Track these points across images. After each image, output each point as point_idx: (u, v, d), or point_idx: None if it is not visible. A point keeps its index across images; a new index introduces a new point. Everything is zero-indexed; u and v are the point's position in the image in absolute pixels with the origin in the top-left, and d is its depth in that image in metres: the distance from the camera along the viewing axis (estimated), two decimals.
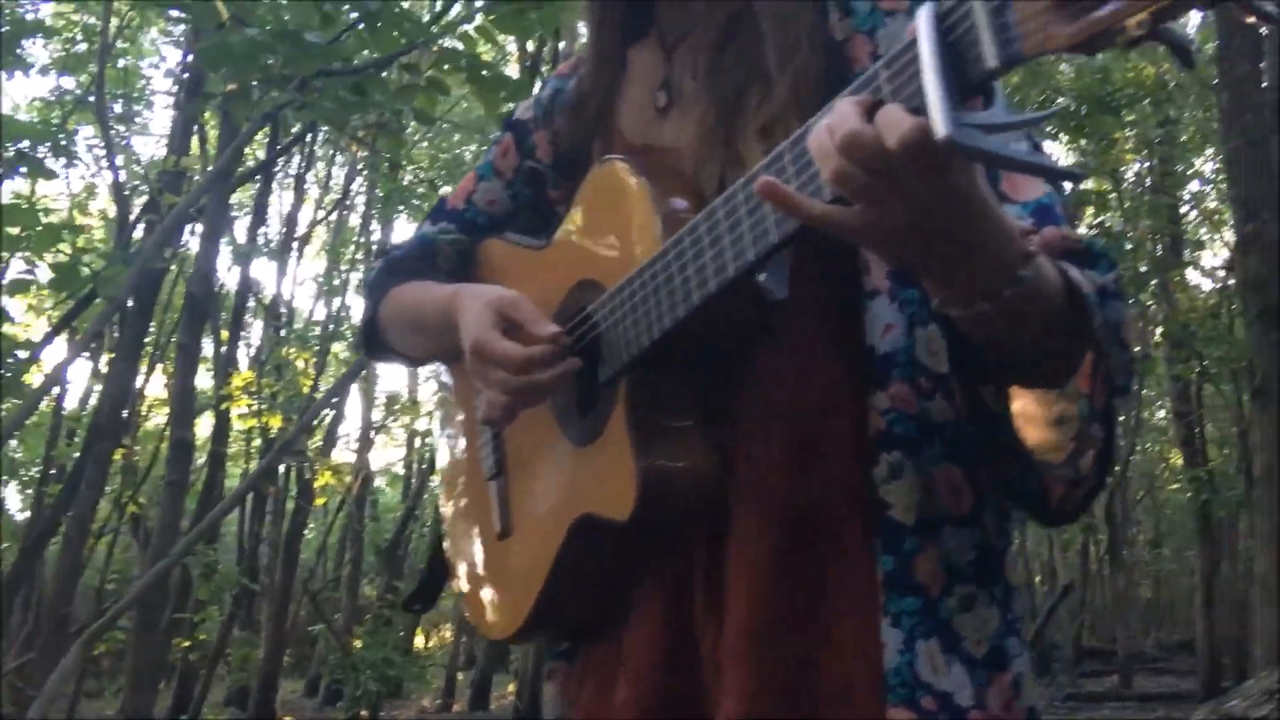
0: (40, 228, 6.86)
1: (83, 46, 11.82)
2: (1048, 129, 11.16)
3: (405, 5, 4.52)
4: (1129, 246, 10.39)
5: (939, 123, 0.72)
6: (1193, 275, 12.45)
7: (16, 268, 5.70)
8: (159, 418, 14.07)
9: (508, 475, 1.33)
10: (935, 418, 1.05)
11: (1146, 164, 11.91)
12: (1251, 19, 0.66)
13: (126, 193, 10.49)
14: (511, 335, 1.13)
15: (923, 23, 0.75)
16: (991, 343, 0.96)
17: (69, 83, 11.36)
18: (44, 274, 5.49)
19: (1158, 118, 10.93)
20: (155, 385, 13.51)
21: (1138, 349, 11.32)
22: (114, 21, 10.53)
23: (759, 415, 1.11)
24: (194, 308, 7.12)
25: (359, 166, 14.06)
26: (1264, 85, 6.31)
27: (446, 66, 4.48)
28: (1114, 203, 11.24)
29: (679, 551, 1.14)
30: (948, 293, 0.90)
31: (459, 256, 1.40)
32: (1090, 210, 10.75)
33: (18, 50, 7.46)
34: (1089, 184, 12.04)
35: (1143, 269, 10.77)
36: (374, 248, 15.32)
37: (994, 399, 1.02)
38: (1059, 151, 13.20)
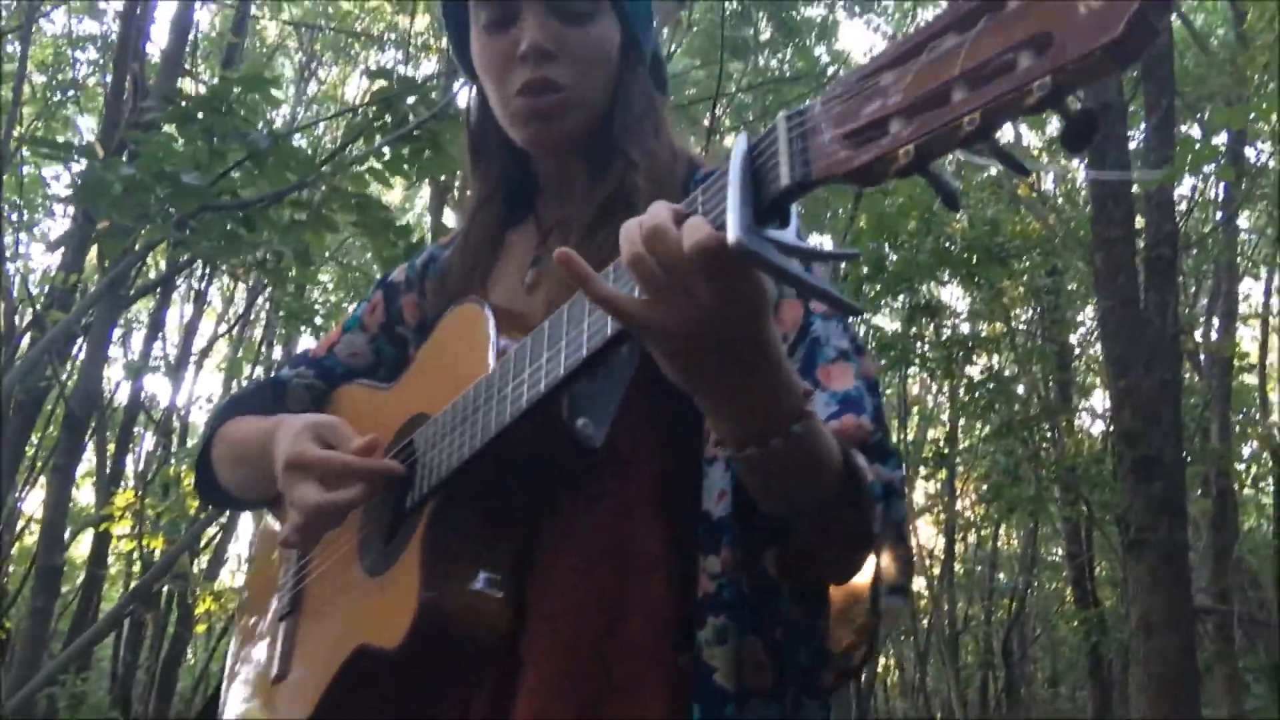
0: None
1: None
2: (943, 276, 11.58)
3: (298, 143, 4.55)
4: (1019, 390, 10.68)
5: (731, 229, 0.78)
6: (1085, 419, 12.84)
7: None
8: (35, 537, 13.47)
9: (300, 615, 1.28)
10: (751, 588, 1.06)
11: (1036, 312, 12.36)
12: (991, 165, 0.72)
13: (17, 305, 10.24)
14: None
15: (736, 150, 0.82)
16: (765, 499, 0.98)
17: None
18: None
19: (1045, 267, 11.38)
20: (34, 503, 12.97)
21: (1030, 489, 11.58)
22: (16, 130, 10.42)
23: (566, 566, 1.10)
24: (73, 427, 6.89)
25: (264, 281, 13.93)
26: (1136, 250, 6.63)
27: (337, 205, 4.50)
28: (1005, 348, 11.60)
29: (459, 698, 1.10)
30: (723, 427, 0.93)
31: (312, 401, 1.40)
32: (983, 355, 11.09)
33: None
34: (982, 329, 12.44)
35: (1032, 413, 11.07)
36: (275, 365, 15.09)
37: (775, 568, 1.03)
38: (954, 297, 13.68)
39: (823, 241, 17.23)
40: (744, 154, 0.82)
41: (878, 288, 10.83)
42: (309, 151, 5.30)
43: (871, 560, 1.01)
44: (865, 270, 10.45)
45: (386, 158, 4.51)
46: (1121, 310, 6.31)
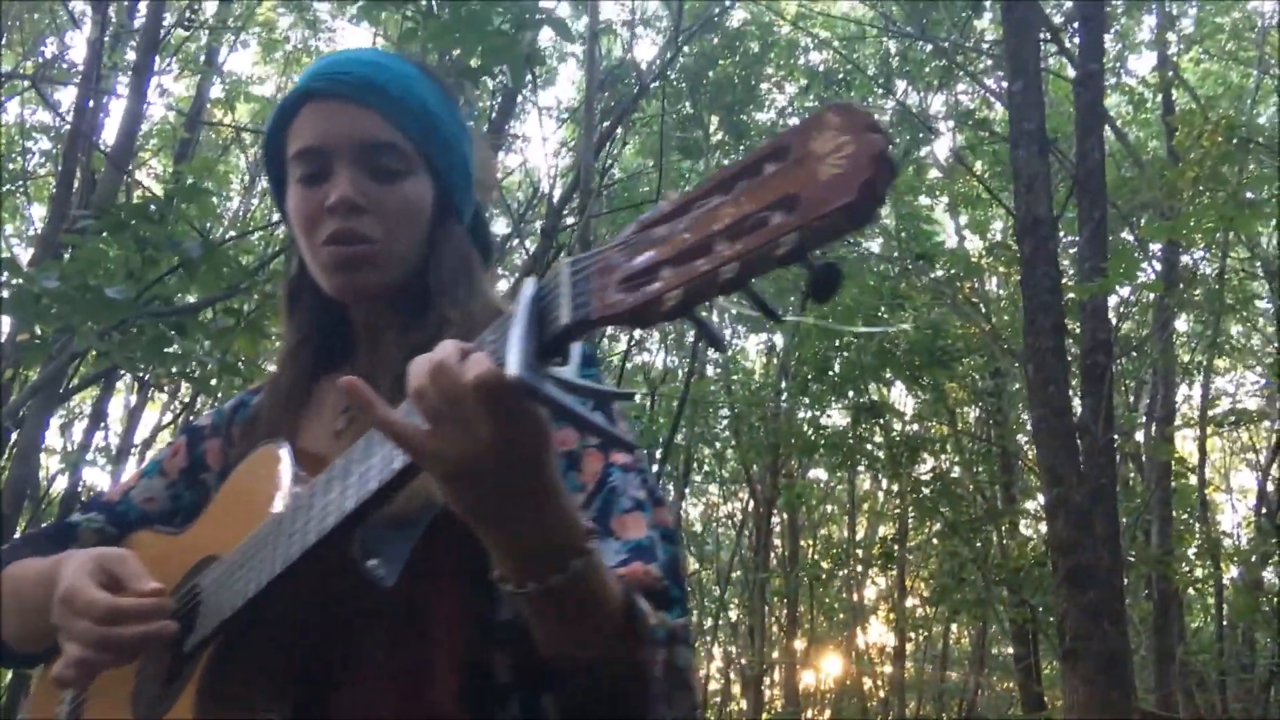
0: None
1: None
2: (887, 378, 11.75)
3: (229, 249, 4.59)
4: (959, 493, 10.75)
5: (511, 365, 0.83)
6: (1029, 522, 12.90)
7: None
8: None
9: None
10: None
11: (980, 413, 12.50)
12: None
13: None
14: (110, 590, 1.08)
15: (524, 291, 0.87)
16: (546, 638, 0.99)
17: None
18: None
19: (988, 369, 11.56)
20: None
21: (977, 590, 11.58)
22: None
23: (357, 712, 1.09)
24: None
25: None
26: (1066, 357, 6.76)
27: (271, 313, 4.51)
28: (951, 449, 11.70)
29: None
30: (504, 562, 0.94)
31: (102, 545, 1.33)
32: (927, 457, 11.19)
33: None
34: (929, 429, 12.56)
35: (976, 515, 11.13)
36: None
37: (556, 713, 1.04)
38: (901, 397, 13.84)
39: (748, 342, 17.40)
40: (530, 296, 0.87)
41: (823, 388, 10.95)
42: (242, 259, 5.31)
43: (656, 706, 1.03)
44: (809, 372, 10.58)
45: None
46: (1053, 420, 6.40)
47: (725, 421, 15.23)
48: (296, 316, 1.34)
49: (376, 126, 1.25)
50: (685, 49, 12.63)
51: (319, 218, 1.24)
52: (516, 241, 13.11)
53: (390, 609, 1.09)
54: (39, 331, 3.91)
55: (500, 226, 13.07)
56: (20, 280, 3.28)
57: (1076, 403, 7.44)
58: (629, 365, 16.00)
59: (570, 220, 11.36)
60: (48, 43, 12.67)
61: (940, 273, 11.26)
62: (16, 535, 1.37)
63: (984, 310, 11.13)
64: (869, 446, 11.69)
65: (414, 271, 1.27)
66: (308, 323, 1.33)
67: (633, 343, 15.27)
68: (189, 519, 1.34)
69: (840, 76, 12.86)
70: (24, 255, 14.04)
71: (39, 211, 13.04)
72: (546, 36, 11.39)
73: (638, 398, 16.88)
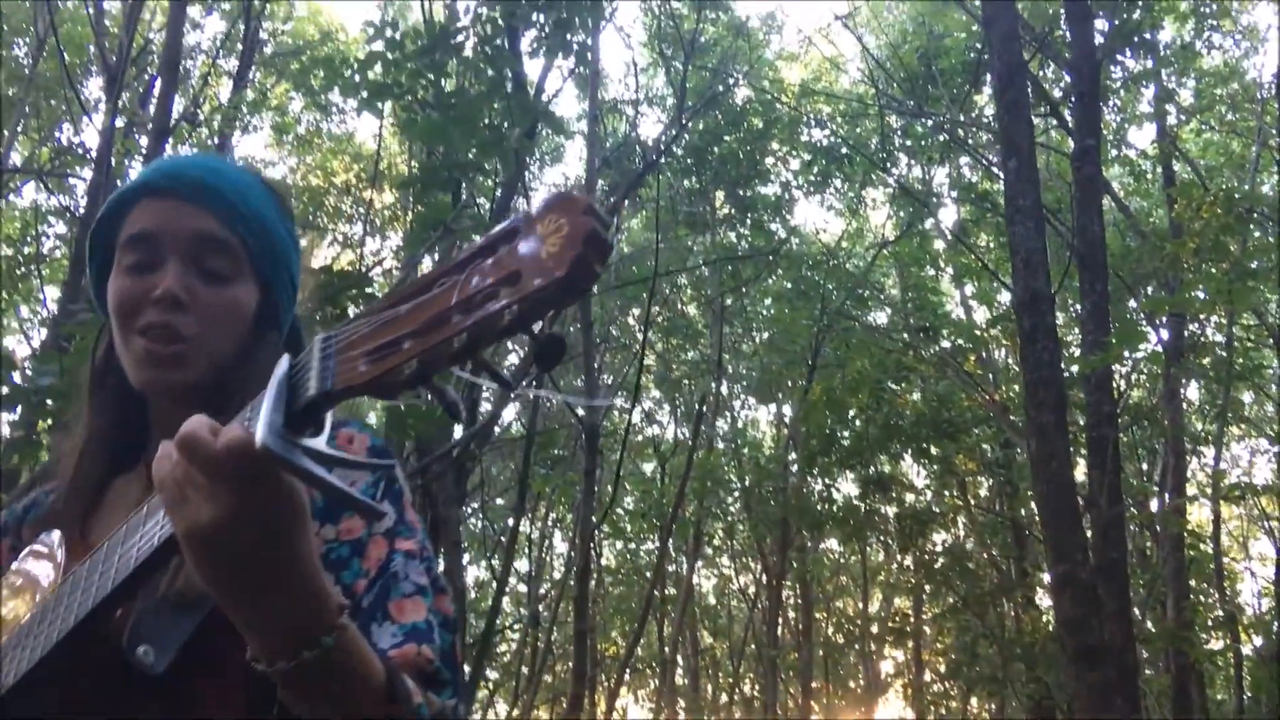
0: None
1: None
2: (894, 448, 11.68)
3: None
4: (971, 566, 10.64)
5: (260, 432, 0.85)
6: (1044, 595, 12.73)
7: None
8: None
9: None
10: None
11: (990, 485, 12.41)
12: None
13: None
14: None
15: (278, 369, 0.90)
16: (306, 715, 0.98)
17: None
18: None
19: (997, 440, 11.49)
20: None
21: (993, 664, 11.39)
22: None
23: None
24: None
25: None
26: (1068, 432, 6.74)
27: None
28: (962, 522, 11.60)
29: None
30: (254, 640, 0.94)
31: None
32: (938, 530, 11.09)
33: None
34: (939, 501, 12.46)
35: (989, 589, 11.00)
36: None
37: None
38: (910, 468, 13.75)
39: (759, 413, 17.27)
40: (283, 370, 0.90)
41: (831, 460, 10.90)
42: None
43: None
44: (816, 445, 10.55)
45: None
46: (1057, 495, 6.36)
47: (736, 494, 15.17)
48: (97, 405, 1.32)
49: (212, 227, 1.26)
50: (689, 126, 12.81)
51: (140, 307, 1.24)
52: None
53: (162, 698, 1.08)
54: (40, 426, 3.95)
55: None
56: (17, 376, 3.32)
57: (1085, 475, 7.40)
58: (639, 438, 16.00)
59: None
60: (63, 128, 12.95)
61: (946, 344, 11.26)
62: None
63: (991, 380, 11.11)
64: (879, 519, 11.59)
65: (223, 373, 1.27)
66: (107, 413, 1.32)
67: (638, 413, 15.26)
68: None
69: (842, 151, 13.00)
70: (39, 338, 14.21)
71: (53, 293, 13.22)
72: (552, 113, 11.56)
73: (649, 469, 16.84)
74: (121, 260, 1.26)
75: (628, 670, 12.36)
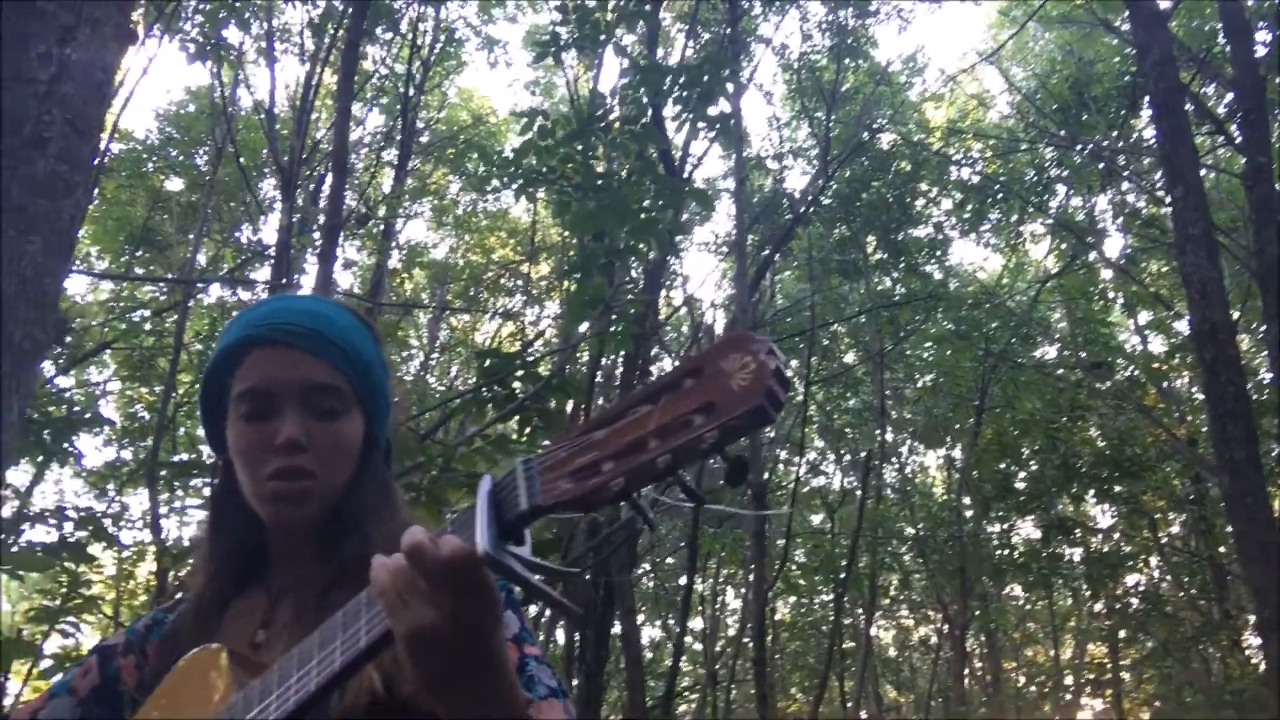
0: (79, 600, 7.04)
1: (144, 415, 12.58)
2: (1074, 489, 11.23)
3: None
4: (1169, 610, 10.09)
5: (480, 542, 0.95)
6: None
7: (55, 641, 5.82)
8: None
9: None
10: None
11: (1183, 523, 11.78)
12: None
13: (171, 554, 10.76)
14: None
15: (482, 485, 1.00)
16: None
17: (126, 455, 12.04)
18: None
19: (1187, 475, 10.93)
20: None
21: (1202, 712, 10.73)
22: (174, 397, 11.25)
23: None
24: None
25: None
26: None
27: (447, 485, 4.71)
28: (1154, 563, 11.04)
29: None
30: None
31: None
32: (1130, 572, 10.58)
33: (66, 445, 7.94)
34: (1128, 542, 11.89)
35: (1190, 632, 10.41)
36: None
37: None
38: (1093, 511, 13.18)
39: (927, 458, 16.80)
40: (488, 489, 0.99)
41: (1008, 506, 10.55)
42: (419, 431, 5.59)
43: None
44: (990, 489, 10.23)
45: (493, 438, 4.74)
46: (1255, 534, 6.02)
47: (910, 543, 14.82)
48: (222, 538, 1.40)
49: (321, 373, 1.35)
50: (836, 175, 12.78)
51: (265, 454, 1.32)
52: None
53: None
54: None
55: (666, 363, 13.27)
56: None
57: None
58: (805, 489, 15.83)
59: None
60: (242, 229, 13.80)
61: (1121, 377, 10.82)
62: None
63: (1176, 413, 10.59)
64: (1064, 563, 11.13)
65: (339, 501, 1.36)
66: (232, 544, 1.40)
67: (803, 465, 15.11)
68: None
69: (996, 188, 12.74)
70: None
71: None
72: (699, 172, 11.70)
73: (816, 520, 16.61)
74: (237, 409, 1.35)
75: None
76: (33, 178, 3.93)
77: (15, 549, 5.52)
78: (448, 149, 14.22)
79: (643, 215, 3.67)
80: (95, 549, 8.82)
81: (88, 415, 8.89)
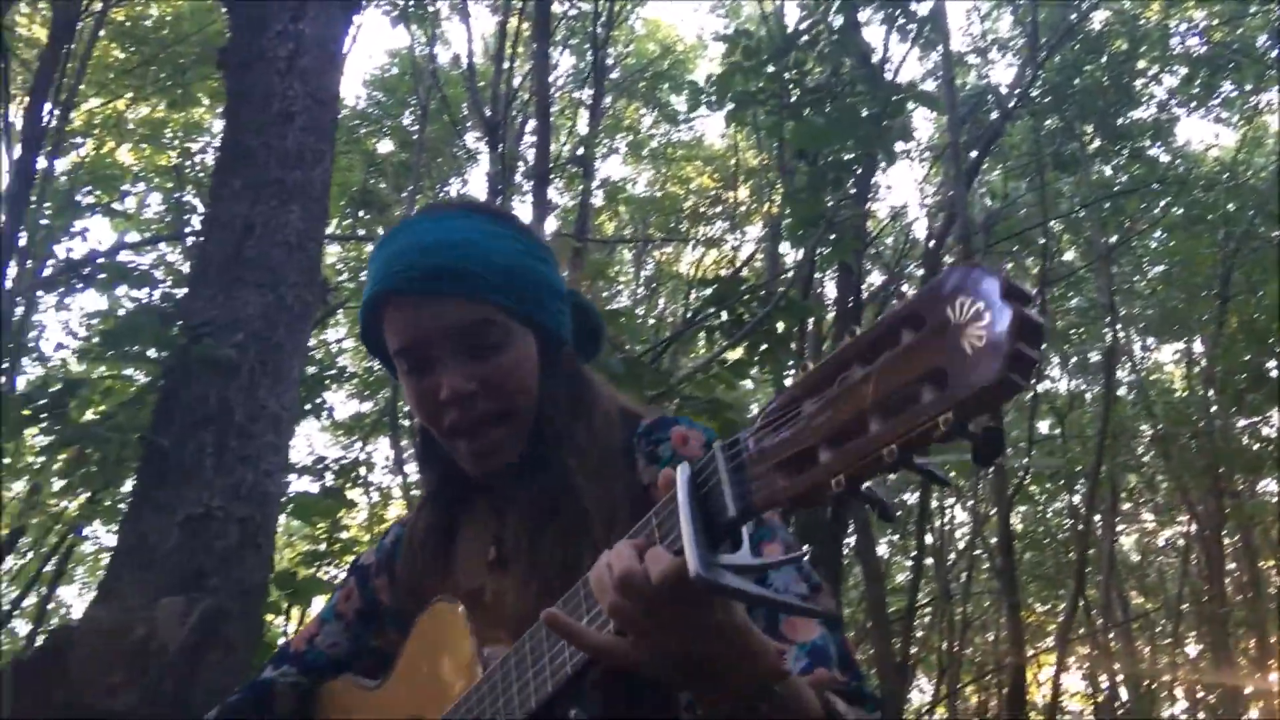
0: (338, 544, 7.60)
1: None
2: None
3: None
4: None
5: (691, 562, 0.85)
6: None
7: None
8: None
9: None
10: None
11: None
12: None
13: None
14: None
15: (680, 478, 0.89)
16: None
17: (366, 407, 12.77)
18: None
19: None
20: None
21: None
22: None
23: None
24: None
25: None
26: None
27: (689, 411, 4.80)
28: None
29: None
30: (713, 708, 0.98)
31: (299, 700, 1.41)
32: None
33: (319, 400, 8.48)
34: None
35: None
36: None
37: None
38: None
39: (1162, 354, 15.86)
40: (688, 484, 0.89)
41: (1260, 397, 9.88)
42: (658, 363, 5.69)
43: None
44: (1241, 379, 9.58)
45: (728, 363, 4.79)
46: None
47: (1148, 443, 14.15)
48: (429, 467, 1.37)
49: (462, 311, 1.23)
50: (1044, 64, 12.09)
51: (437, 410, 1.25)
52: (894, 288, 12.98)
53: None
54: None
55: (876, 277, 13.00)
56: None
57: None
58: (1028, 397, 15.28)
59: (949, 260, 11.12)
60: (450, 181, 14.25)
61: None
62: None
63: None
64: None
65: (535, 422, 1.28)
66: (438, 470, 1.36)
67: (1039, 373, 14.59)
68: (374, 661, 1.39)
69: (1225, 57, 11.79)
70: None
71: None
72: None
73: (1044, 427, 16.04)
74: (399, 364, 1.27)
75: (1064, 637, 11.84)
76: (284, 151, 4.20)
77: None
78: (639, 83, 14.25)
79: (869, 124, 3.57)
80: (353, 495, 9.44)
81: (333, 371, 9.46)
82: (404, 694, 1.28)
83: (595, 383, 1.34)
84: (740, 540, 0.88)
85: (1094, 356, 14.80)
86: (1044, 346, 0.69)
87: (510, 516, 1.28)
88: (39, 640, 10.65)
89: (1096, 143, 13.64)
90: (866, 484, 0.77)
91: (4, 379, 6.10)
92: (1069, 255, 15.21)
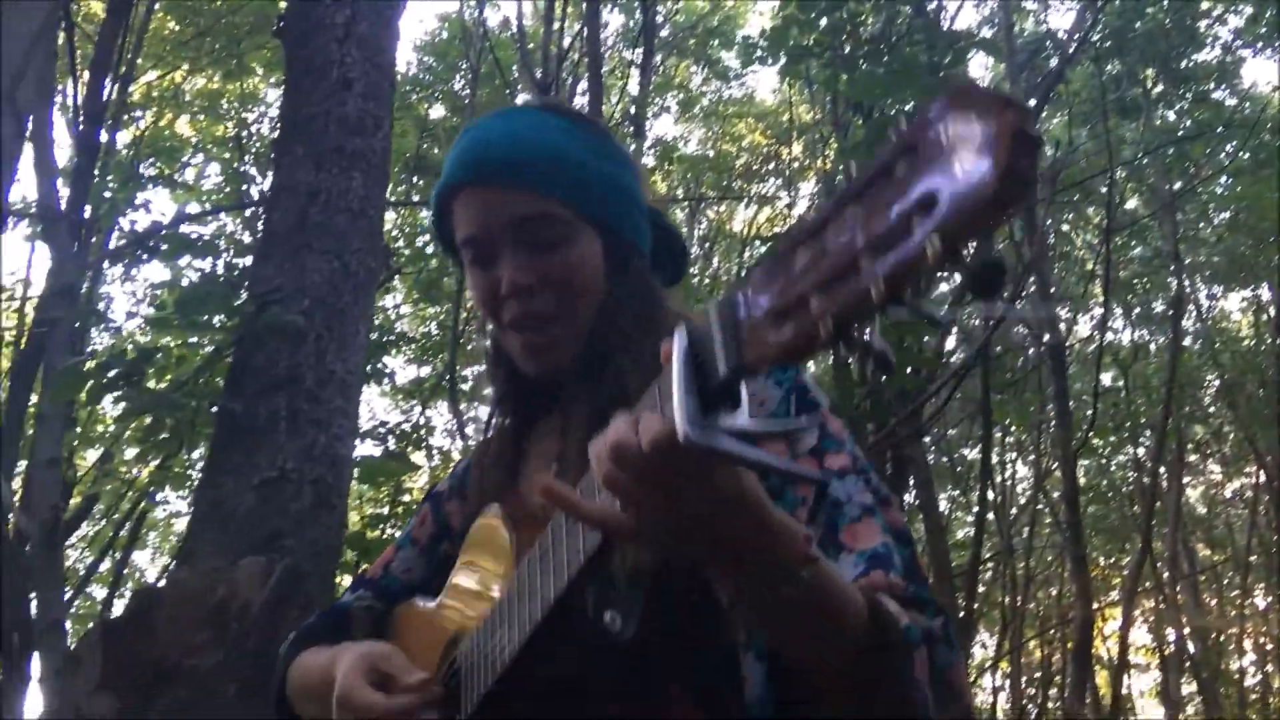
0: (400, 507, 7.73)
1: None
2: None
3: None
4: None
5: (679, 425, 0.80)
6: None
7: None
8: None
9: None
10: None
11: None
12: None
13: None
14: (382, 687, 1.14)
15: (676, 342, 0.85)
16: (796, 660, 0.98)
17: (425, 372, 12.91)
18: None
19: None
20: None
21: None
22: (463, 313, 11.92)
23: None
24: None
25: None
26: None
27: None
28: None
29: None
30: (735, 590, 0.94)
31: (374, 624, 1.42)
32: None
33: (379, 365, 8.59)
34: None
35: None
36: None
37: None
38: None
39: (1228, 302, 15.50)
40: (683, 347, 0.84)
41: None
42: None
43: (923, 713, 0.98)
44: None
45: None
46: None
47: (1214, 394, 13.90)
48: (496, 380, 1.37)
49: (526, 203, 1.23)
50: (1104, 7, 11.80)
51: (497, 303, 1.26)
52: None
53: (622, 664, 1.11)
54: None
55: None
56: None
57: None
58: (1090, 349, 15.06)
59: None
60: None
61: None
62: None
63: None
64: None
65: (597, 325, 1.26)
66: (505, 385, 1.36)
67: (1086, 322, 14.37)
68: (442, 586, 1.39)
69: None
70: None
71: None
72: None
73: (1107, 380, 15.80)
74: (465, 256, 1.29)
75: (1131, 591, 11.73)
76: (345, 118, 4.24)
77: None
78: (689, 40, 14.12)
79: (931, 73, 3.52)
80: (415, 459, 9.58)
81: (392, 337, 9.58)
82: (451, 607, 1.29)
83: (666, 298, 1.31)
84: (739, 403, 0.82)
85: (1159, 306, 14.54)
86: (1039, 161, 0.62)
87: (571, 432, 1.26)
88: (116, 604, 10.98)
89: (1159, 87, 13.31)
90: (861, 331, 0.72)
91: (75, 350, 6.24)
92: (1132, 203, 14.91)
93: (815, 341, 0.71)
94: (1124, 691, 13.06)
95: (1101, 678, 13.84)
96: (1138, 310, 15.18)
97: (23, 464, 7.68)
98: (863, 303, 0.68)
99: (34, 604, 5.04)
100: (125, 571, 12.10)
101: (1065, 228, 14.57)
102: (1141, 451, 14.03)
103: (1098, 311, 15.78)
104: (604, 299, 1.26)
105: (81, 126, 7.59)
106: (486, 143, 1.26)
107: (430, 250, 13.20)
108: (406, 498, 8.92)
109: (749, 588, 0.94)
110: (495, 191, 1.24)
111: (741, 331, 0.78)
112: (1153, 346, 14.93)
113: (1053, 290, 13.46)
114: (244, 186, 10.41)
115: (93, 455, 10.92)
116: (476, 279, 1.28)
